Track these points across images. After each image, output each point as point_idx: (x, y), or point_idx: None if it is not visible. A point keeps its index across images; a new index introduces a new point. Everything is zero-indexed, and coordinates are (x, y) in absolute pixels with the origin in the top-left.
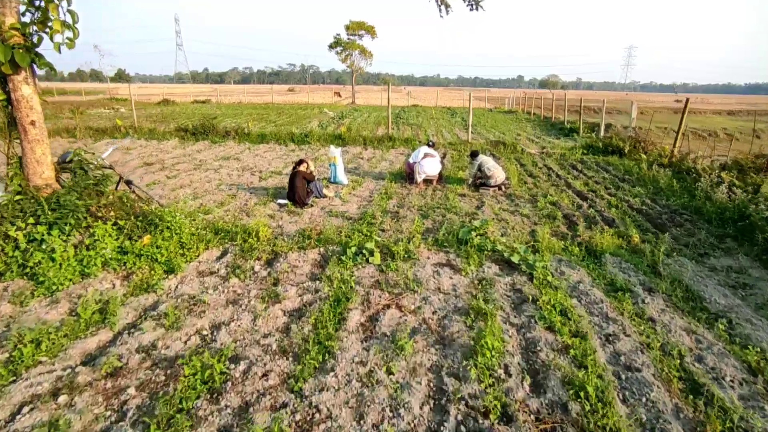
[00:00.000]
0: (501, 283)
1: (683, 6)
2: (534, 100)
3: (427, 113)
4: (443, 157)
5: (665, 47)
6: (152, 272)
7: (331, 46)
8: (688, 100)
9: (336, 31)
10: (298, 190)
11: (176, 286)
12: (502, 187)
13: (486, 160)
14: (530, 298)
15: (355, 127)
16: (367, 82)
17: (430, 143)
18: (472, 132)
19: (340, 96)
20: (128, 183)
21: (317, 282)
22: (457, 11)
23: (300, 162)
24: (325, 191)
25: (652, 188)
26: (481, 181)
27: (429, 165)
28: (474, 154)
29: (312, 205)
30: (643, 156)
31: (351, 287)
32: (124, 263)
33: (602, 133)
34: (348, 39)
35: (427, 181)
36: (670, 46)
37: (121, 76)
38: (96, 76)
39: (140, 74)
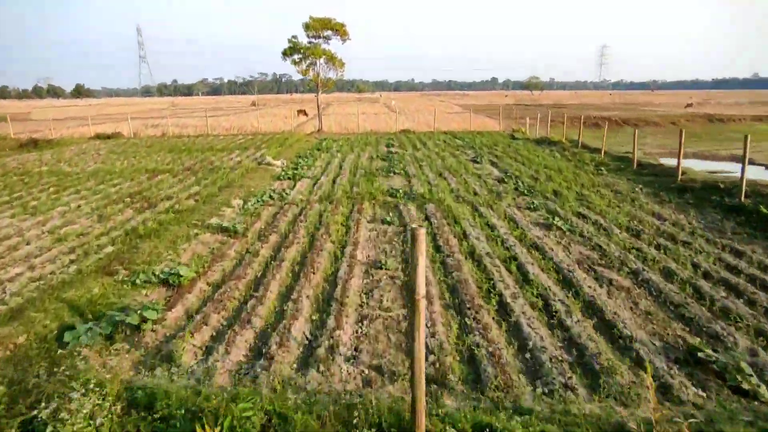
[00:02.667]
0: None
1: (647, 4)
2: (539, 109)
3: (431, 151)
4: None
5: (631, 45)
6: None
7: (285, 54)
8: None
9: (293, 32)
10: None
11: None
12: None
13: None
14: None
15: (310, 225)
16: (341, 90)
17: None
18: (560, 235)
19: (306, 115)
20: None
21: None
22: (426, 13)
23: None
24: None
25: None
26: None
27: None
28: None
29: None
30: None
31: None
32: None
33: None
34: (309, 42)
35: None
36: (636, 43)
37: (80, 92)
38: (53, 91)
39: (107, 88)
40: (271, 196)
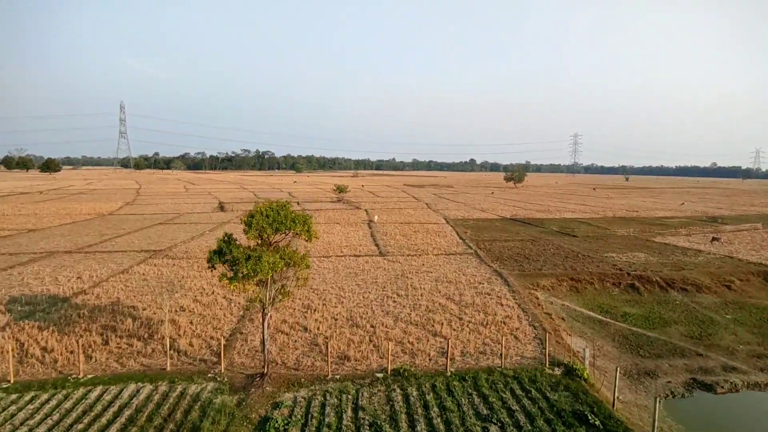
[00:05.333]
0: None
1: (614, 98)
2: (546, 236)
3: None
4: None
5: (602, 131)
6: None
7: (211, 262)
8: None
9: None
10: None
11: None
12: None
13: None
14: None
15: None
16: (323, 167)
17: None
18: None
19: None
20: None
21: None
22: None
23: None
24: None
25: None
26: None
27: None
28: None
29: None
30: None
31: None
32: None
33: None
34: (255, 241)
35: None
36: (606, 130)
37: (49, 166)
38: (23, 163)
39: (86, 157)
40: None
